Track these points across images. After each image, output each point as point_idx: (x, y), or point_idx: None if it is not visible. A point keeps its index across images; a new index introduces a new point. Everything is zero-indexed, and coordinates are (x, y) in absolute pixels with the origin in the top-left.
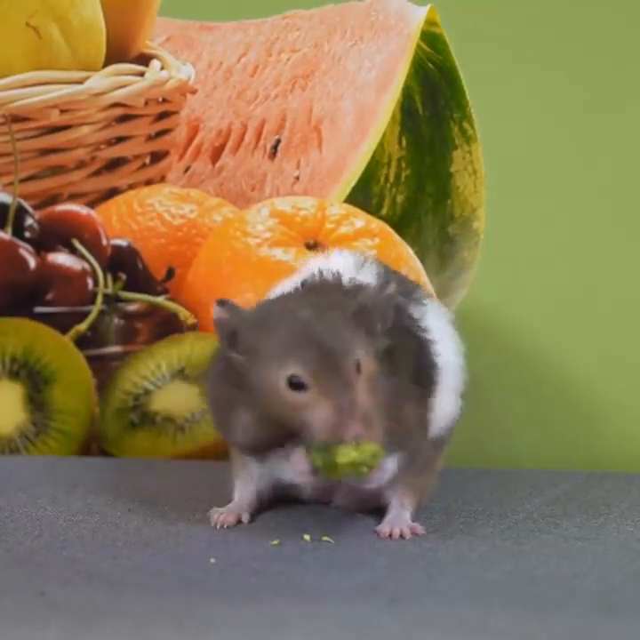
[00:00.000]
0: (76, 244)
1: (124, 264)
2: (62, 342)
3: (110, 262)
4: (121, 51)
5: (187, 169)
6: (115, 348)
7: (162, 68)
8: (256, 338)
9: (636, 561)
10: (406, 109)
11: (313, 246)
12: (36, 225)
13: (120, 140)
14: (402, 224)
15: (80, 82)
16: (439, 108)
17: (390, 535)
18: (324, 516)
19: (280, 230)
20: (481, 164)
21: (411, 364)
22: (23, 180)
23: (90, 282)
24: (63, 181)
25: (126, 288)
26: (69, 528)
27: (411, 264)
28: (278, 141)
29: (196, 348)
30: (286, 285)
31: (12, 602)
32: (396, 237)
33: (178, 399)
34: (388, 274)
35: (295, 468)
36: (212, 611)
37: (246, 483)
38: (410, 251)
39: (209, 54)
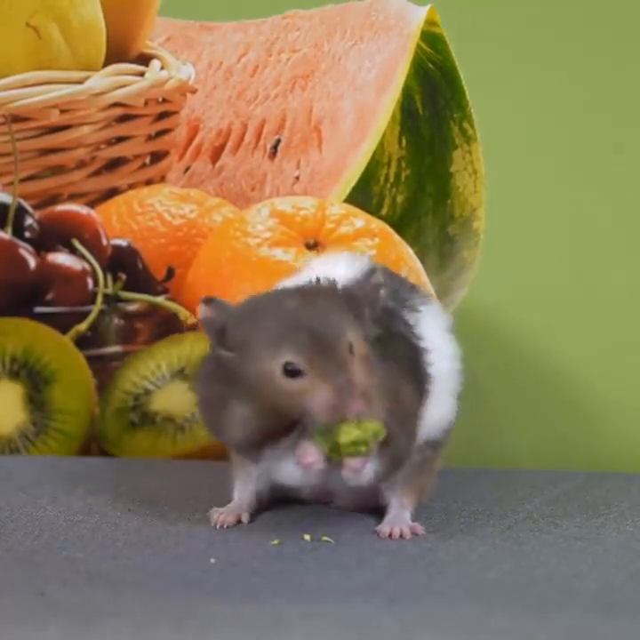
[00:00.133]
0: (76, 244)
1: (124, 264)
2: (62, 342)
3: (110, 262)
4: (121, 51)
5: (187, 169)
6: (115, 348)
7: (162, 68)
8: (245, 331)
9: (635, 561)
10: (406, 109)
11: (313, 246)
12: (35, 225)
13: (120, 139)
14: (402, 224)
15: (80, 82)
16: (439, 108)
17: (390, 535)
18: (324, 515)
19: (280, 230)
20: (481, 164)
21: (404, 367)
22: (23, 180)
23: (90, 282)
24: (63, 181)
25: (126, 288)
26: (69, 528)
27: (411, 264)
28: (278, 141)
29: (195, 347)
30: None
31: (11, 602)
32: (396, 237)
33: (178, 399)
34: (386, 276)
35: (304, 460)
36: (212, 611)
37: (246, 483)
38: (410, 251)
39: (209, 54)
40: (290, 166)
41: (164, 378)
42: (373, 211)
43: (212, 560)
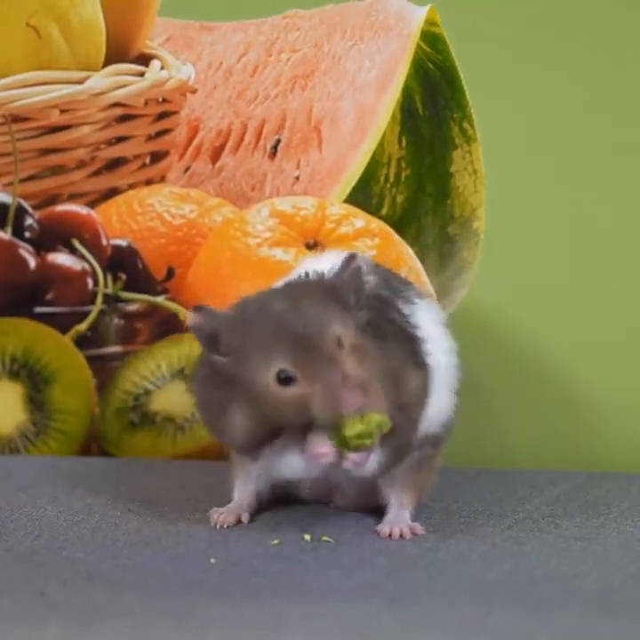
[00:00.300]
0: (76, 244)
1: (124, 264)
2: (62, 342)
3: (110, 262)
4: (121, 51)
5: (187, 169)
6: (115, 348)
7: (162, 68)
8: (237, 338)
9: (635, 561)
10: (406, 109)
11: (313, 246)
12: (35, 225)
13: (120, 140)
14: (402, 224)
15: (80, 82)
16: (439, 108)
17: (390, 535)
18: (324, 515)
19: (280, 230)
20: (481, 164)
21: (406, 353)
22: (23, 180)
23: (90, 282)
24: (63, 181)
25: (126, 288)
26: (69, 528)
27: (411, 264)
28: (278, 141)
29: (195, 348)
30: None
31: (12, 602)
32: (396, 237)
33: (178, 399)
34: (376, 269)
35: (315, 451)
36: (212, 611)
37: (246, 483)
38: (410, 251)
39: (209, 54)
40: (290, 166)
41: (163, 378)
42: (373, 211)
43: (212, 560)
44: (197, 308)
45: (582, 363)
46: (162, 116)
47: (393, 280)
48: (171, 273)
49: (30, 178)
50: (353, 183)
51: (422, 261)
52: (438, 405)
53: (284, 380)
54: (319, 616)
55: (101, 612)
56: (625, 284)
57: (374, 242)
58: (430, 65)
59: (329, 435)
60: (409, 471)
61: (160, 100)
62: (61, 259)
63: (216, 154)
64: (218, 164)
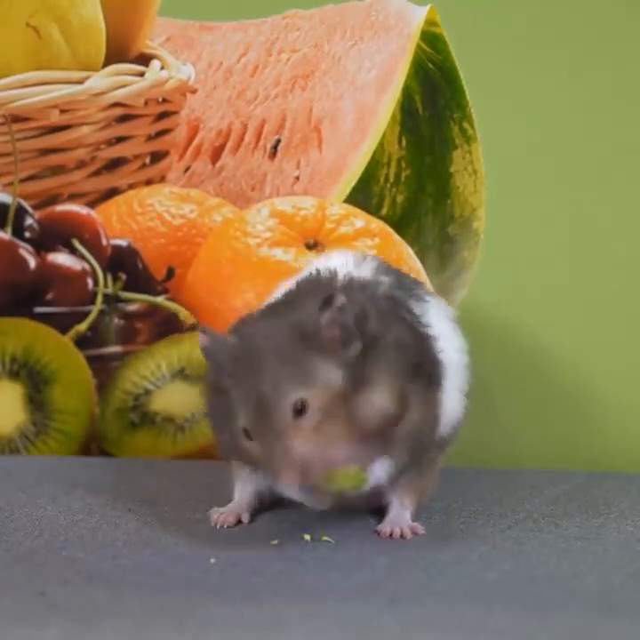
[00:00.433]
0: (76, 244)
1: (124, 264)
2: (62, 342)
3: (110, 262)
4: (121, 51)
5: (187, 169)
6: (115, 348)
7: (162, 68)
8: (229, 375)
9: (635, 561)
10: (406, 109)
11: (313, 246)
12: (35, 225)
13: (120, 140)
14: (402, 224)
15: (80, 82)
16: (439, 108)
17: (390, 535)
18: (324, 516)
19: (280, 230)
20: (481, 164)
21: (411, 356)
22: (23, 180)
23: (90, 282)
24: (63, 181)
25: (126, 288)
26: (69, 528)
27: (411, 264)
28: (278, 141)
29: (195, 348)
30: (285, 287)
31: (12, 602)
32: (396, 237)
33: (178, 399)
34: (388, 269)
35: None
36: (212, 611)
37: (246, 483)
38: (410, 251)
39: (209, 54)
40: (290, 166)
41: (164, 378)
42: (373, 211)
43: (212, 560)
44: (204, 332)
45: (582, 362)
46: (162, 115)
47: (405, 279)
48: (171, 273)
49: (30, 178)
50: (353, 183)
51: (422, 261)
52: (448, 407)
53: (246, 434)
54: (319, 616)
55: (101, 611)
56: (625, 284)
57: (374, 242)
58: (430, 65)
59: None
60: (411, 473)
61: (160, 100)
62: (61, 259)
63: (216, 154)
64: (218, 164)
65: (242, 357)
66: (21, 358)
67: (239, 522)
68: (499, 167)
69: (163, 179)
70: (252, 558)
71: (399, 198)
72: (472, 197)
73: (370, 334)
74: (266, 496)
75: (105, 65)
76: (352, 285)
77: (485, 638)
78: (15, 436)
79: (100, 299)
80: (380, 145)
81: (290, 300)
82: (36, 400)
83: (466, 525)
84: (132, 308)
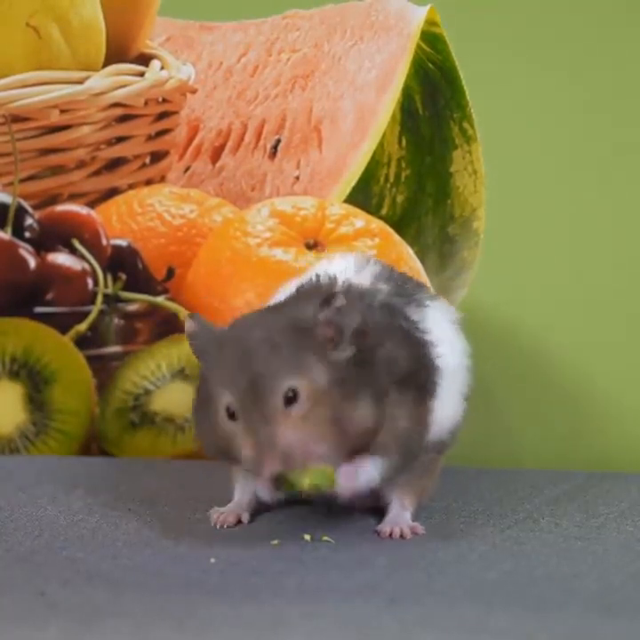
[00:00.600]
0: (76, 244)
1: (124, 264)
2: (62, 342)
3: (110, 262)
4: (121, 51)
5: (187, 169)
6: (115, 348)
7: (162, 68)
8: (213, 358)
9: (635, 561)
10: (406, 109)
11: (313, 246)
12: (35, 225)
13: (120, 139)
14: (402, 224)
15: (80, 82)
16: (439, 108)
17: (390, 535)
18: (324, 516)
19: (280, 230)
20: (481, 164)
21: (404, 366)
22: (23, 180)
23: (90, 282)
24: (63, 181)
25: (126, 288)
26: (69, 528)
27: (411, 264)
28: (278, 141)
29: None
30: (286, 289)
31: (12, 602)
32: (396, 237)
33: (178, 399)
34: (389, 275)
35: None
36: (212, 611)
37: (246, 483)
38: (410, 251)
39: (209, 54)
40: (290, 166)
41: (164, 378)
42: (373, 211)
43: (212, 560)
44: (192, 316)
45: (582, 363)
46: (162, 115)
47: (406, 284)
48: (171, 273)
49: (30, 178)
50: (353, 183)
51: (422, 261)
52: (447, 410)
53: (230, 414)
54: (319, 616)
55: (101, 611)
56: (625, 284)
57: (374, 242)
58: (430, 65)
59: (277, 481)
60: (412, 474)
61: (160, 100)
62: (61, 259)
63: (216, 154)
64: (218, 164)
65: (231, 342)
66: (21, 358)
67: (239, 522)
68: (499, 167)
69: (163, 179)
70: (252, 558)
71: (399, 198)
72: (472, 197)
73: (363, 346)
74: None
75: (105, 65)
76: (350, 293)
77: (485, 638)
78: (15, 435)
79: (99, 299)
80: (380, 145)
81: (287, 302)
82: (36, 400)
83: (466, 525)
84: (132, 308)
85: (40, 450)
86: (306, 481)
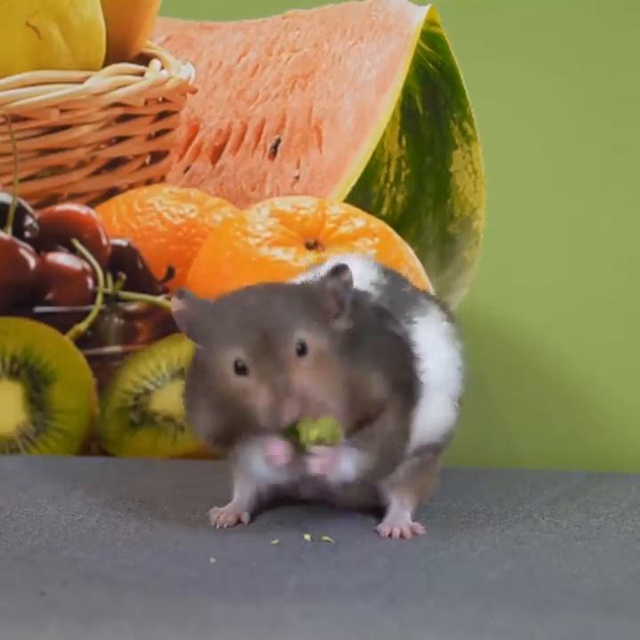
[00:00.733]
0: (76, 243)
1: (124, 264)
2: (62, 342)
3: (110, 262)
4: (121, 51)
5: (187, 169)
6: (115, 348)
7: (162, 68)
8: (210, 326)
9: (635, 561)
10: (406, 109)
11: (313, 246)
12: (35, 225)
13: (120, 139)
14: (402, 224)
15: (80, 82)
16: (439, 108)
17: (390, 535)
18: (324, 515)
19: (280, 230)
20: (481, 164)
21: (392, 370)
22: (23, 180)
23: (90, 282)
24: (63, 181)
25: (126, 288)
26: (69, 528)
27: (411, 264)
28: (278, 141)
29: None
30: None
31: (12, 602)
32: (396, 237)
33: (178, 399)
34: (387, 287)
35: (267, 454)
36: (212, 611)
37: (246, 482)
38: (410, 251)
39: (209, 54)
40: (290, 166)
41: (164, 378)
42: (373, 211)
43: (212, 560)
44: (180, 294)
45: (582, 362)
46: (162, 115)
47: (397, 299)
48: (171, 273)
49: (30, 178)
50: (353, 183)
51: (422, 261)
52: (437, 416)
53: (240, 369)
54: (319, 616)
55: (101, 611)
56: (625, 284)
57: (374, 242)
58: (430, 65)
59: (287, 435)
60: (410, 473)
61: (160, 99)
62: (61, 258)
63: (216, 154)
64: (218, 164)
65: (234, 306)
66: (21, 358)
67: (239, 522)
68: (499, 167)
69: (163, 178)
70: (252, 558)
71: (399, 198)
72: (472, 197)
73: (360, 324)
74: (265, 496)
75: (105, 65)
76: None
77: (485, 638)
78: (15, 435)
79: (99, 298)
80: (380, 145)
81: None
82: (36, 400)
83: (466, 525)
84: (131, 307)
85: (40, 450)
86: (314, 432)
